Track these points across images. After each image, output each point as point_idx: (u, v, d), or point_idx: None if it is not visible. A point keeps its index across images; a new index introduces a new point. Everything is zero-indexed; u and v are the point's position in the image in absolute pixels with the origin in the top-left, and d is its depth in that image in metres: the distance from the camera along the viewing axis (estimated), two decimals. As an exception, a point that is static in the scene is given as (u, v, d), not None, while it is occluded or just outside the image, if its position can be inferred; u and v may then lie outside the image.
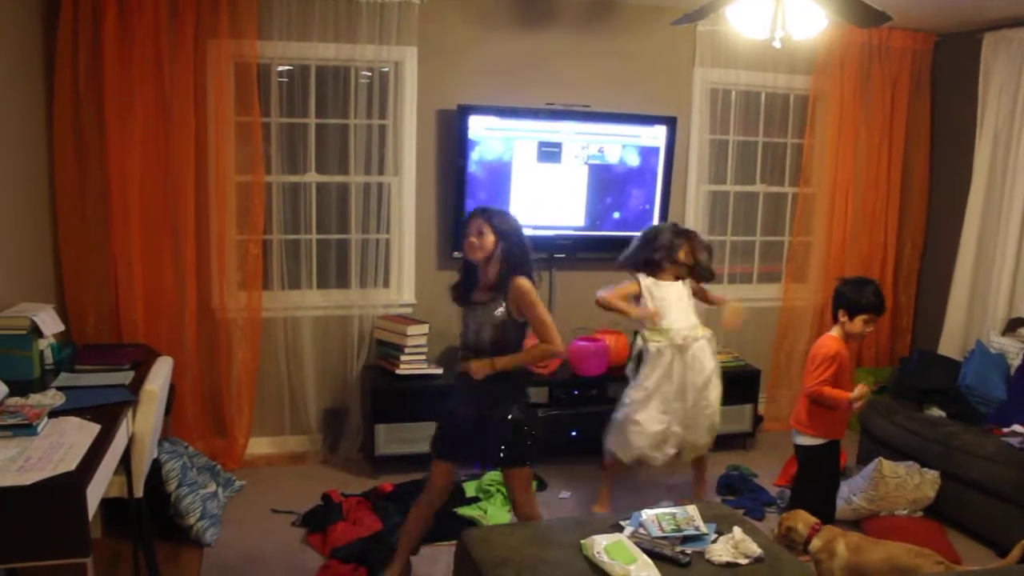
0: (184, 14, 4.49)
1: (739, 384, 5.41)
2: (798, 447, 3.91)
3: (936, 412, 4.76)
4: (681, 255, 4.32)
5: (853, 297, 3.77)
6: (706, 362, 4.28)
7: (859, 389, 3.67)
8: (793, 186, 5.96)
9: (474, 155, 5.03)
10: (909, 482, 4.36)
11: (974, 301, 5.50)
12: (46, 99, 4.33)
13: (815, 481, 3.91)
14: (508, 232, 3.28)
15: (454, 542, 3.14)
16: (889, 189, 5.96)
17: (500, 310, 3.28)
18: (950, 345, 5.51)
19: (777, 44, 3.52)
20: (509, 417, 3.34)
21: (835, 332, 3.81)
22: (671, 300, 4.27)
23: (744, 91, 5.70)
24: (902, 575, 3.19)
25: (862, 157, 5.85)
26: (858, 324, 3.75)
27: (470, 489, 4.50)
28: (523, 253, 3.31)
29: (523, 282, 3.26)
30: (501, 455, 3.36)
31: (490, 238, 3.25)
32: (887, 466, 4.37)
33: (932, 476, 4.40)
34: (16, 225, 3.84)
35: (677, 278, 4.34)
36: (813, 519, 3.51)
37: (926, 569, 3.20)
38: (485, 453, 3.40)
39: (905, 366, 5.30)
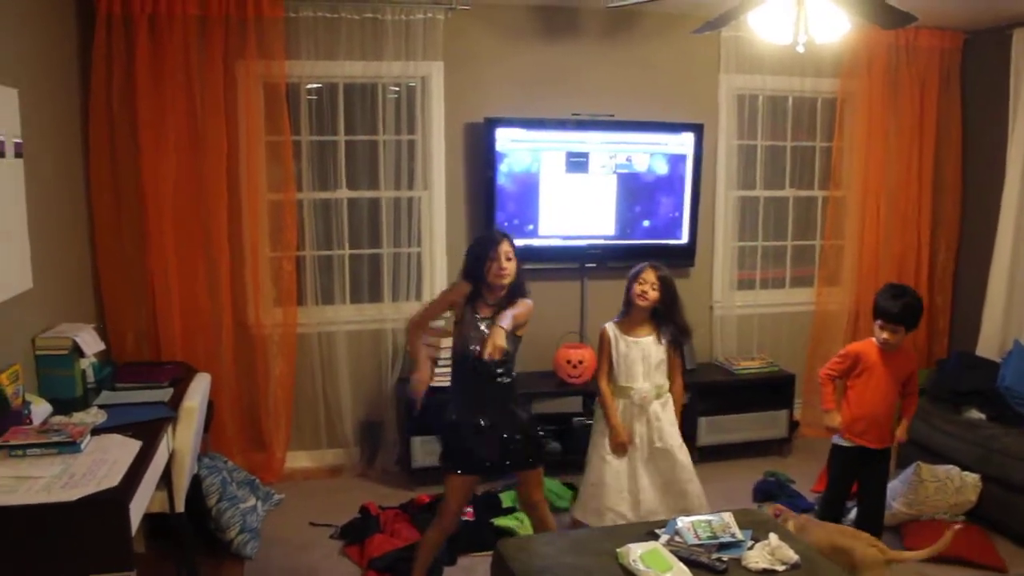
0: (213, 36, 4.58)
1: (773, 390, 5.40)
2: None
3: (975, 414, 4.71)
4: (637, 289, 3.85)
5: (875, 301, 3.83)
6: (666, 424, 3.94)
7: (834, 418, 3.85)
8: (823, 189, 5.93)
9: (502, 167, 5.06)
10: (949, 486, 4.30)
11: (1011, 301, 5.41)
12: (82, 120, 4.43)
13: (828, 481, 4.11)
14: (518, 254, 3.41)
15: (491, 552, 3.15)
16: (921, 190, 5.90)
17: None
18: (988, 346, 5.43)
19: (800, 49, 3.51)
20: (527, 418, 3.47)
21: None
22: (635, 358, 3.90)
23: (771, 96, 5.68)
24: (838, 554, 3.37)
25: (892, 158, 5.80)
26: (876, 329, 3.80)
27: (507, 500, 4.51)
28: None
29: (530, 301, 3.43)
30: (531, 457, 3.44)
31: (514, 262, 3.36)
32: (926, 470, 4.32)
33: (973, 479, 4.34)
34: (57, 248, 3.92)
35: (654, 333, 3.93)
36: (776, 505, 3.81)
37: (859, 551, 3.40)
38: (510, 459, 3.43)
39: (943, 368, 5.24)
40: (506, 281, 3.34)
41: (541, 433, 3.55)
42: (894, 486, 4.42)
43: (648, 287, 3.84)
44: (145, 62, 4.46)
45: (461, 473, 3.43)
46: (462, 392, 3.45)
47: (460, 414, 3.42)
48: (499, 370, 3.36)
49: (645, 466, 3.92)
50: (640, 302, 3.87)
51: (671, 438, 3.93)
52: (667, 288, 3.88)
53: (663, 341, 3.93)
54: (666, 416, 3.94)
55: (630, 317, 3.96)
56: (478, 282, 3.38)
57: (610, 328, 3.98)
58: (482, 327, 3.34)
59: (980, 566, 3.93)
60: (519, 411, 3.46)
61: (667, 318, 3.93)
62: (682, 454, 3.96)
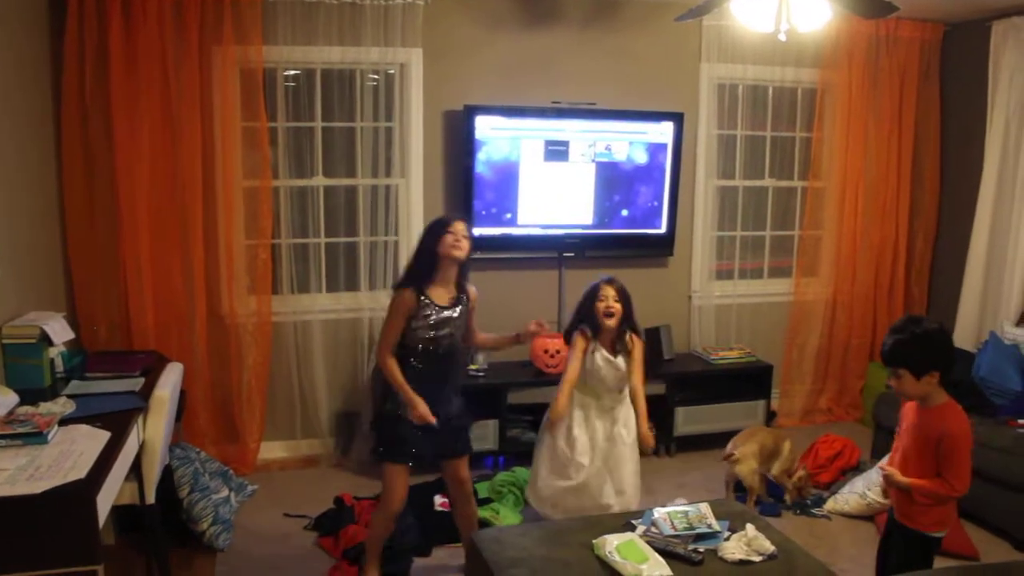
0: (188, 21, 4.50)
1: (751, 380, 5.41)
2: None
3: (951, 405, 4.70)
4: (602, 308, 3.68)
5: None
6: (620, 425, 3.78)
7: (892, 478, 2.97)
8: (802, 180, 5.93)
9: (481, 155, 5.02)
10: (924, 476, 4.29)
11: (987, 292, 5.46)
12: (54, 108, 4.35)
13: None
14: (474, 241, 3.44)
15: (466, 544, 3.14)
16: (900, 181, 5.93)
17: (463, 312, 3.44)
18: (964, 337, 5.47)
19: (782, 37, 3.50)
20: (463, 405, 3.56)
21: None
22: (606, 376, 3.73)
23: (751, 85, 5.67)
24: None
25: (872, 149, 5.81)
26: None
27: (482, 490, 4.49)
28: None
29: (473, 288, 3.51)
30: (469, 445, 3.58)
31: (469, 242, 3.39)
32: (901, 460, 4.31)
33: (947, 470, 4.35)
34: (26, 234, 3.85)
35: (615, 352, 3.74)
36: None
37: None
38: (452, 448, 3.50)
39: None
40: (459, 255, 3.33)
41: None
42: (870, 476, 4.43)
43: (611, 301, 3.68)
44: (119, 47, 4.37)
45: (406, 463, 3.42)
46: (419, 384, 3.37)
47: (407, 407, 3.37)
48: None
49: (593, 461, 3.74)
50: (609, 321, 3.68)
51: (622, 437, 3.77)
52: (627, 298, 3.73)
53: (620, 356, 3.74)
54: (622, 415, 3.80)
55: (599, 338, 3.74)
56: (430, 262, 3.38)
57: (588, 338, 3.75)
58: (444, 314, 3.37)
59: (953, 555, 3.94)
60: (457, 398, 3.53)
61: (626, 325, 3.75)
62: (632, 452, 3.79)
